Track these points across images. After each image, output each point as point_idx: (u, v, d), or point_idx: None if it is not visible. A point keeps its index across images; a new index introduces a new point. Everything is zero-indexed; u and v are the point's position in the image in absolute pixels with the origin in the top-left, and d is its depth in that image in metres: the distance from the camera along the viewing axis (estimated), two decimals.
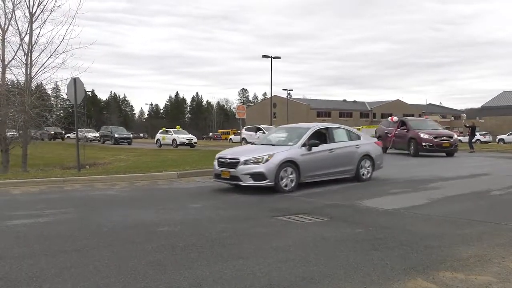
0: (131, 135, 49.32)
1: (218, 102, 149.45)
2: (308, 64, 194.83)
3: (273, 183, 10.23)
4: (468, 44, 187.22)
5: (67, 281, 4.42)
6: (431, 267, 4.82)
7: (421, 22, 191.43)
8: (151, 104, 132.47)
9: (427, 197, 9.55)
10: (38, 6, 19.66)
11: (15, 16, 19.71)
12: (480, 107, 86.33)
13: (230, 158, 10.73)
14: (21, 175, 15.10)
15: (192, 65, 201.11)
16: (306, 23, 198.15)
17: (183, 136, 38.84)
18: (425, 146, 21.24)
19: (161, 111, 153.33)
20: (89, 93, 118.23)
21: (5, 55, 19.91)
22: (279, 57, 46.77)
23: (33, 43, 19.70)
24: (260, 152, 10.68)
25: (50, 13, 19.66)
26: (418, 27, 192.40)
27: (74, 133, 17.16)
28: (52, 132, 48.83)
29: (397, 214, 7.87)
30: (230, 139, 50.23)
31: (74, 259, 5.13)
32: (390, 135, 23.62)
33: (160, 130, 42.41)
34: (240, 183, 10.36)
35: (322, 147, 11.39)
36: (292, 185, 10.55)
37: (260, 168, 10.20)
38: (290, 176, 10.54)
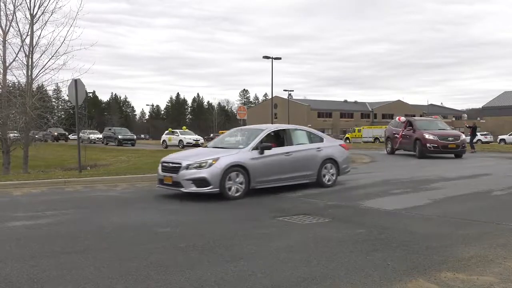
0: (135, 137, 49.31)
1: (219, 103, 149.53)
2: (309, 65, 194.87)
3: (217, 189, 9.48)
4: (469, 44, 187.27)
5: (69, 282, 4.42)
6: (433, 267, 4.82)
7: (422, 22, 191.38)
8: (152, 105, 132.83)
9: (428, 198, 9.54)
10: (39, 8, 19.70)
11: (16, 17, 19.75)
12: (481, 107, 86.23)
13: (172, 162, 10.04)
14: (22, 176, 15.12)
15: (193, 66, 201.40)
16: (307, 24, 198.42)
17: (190, 137, 38.98)
18: (429, 147, 20.37)
19: (162, 112, 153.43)
20: (90, 94, 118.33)
21: (6, 57, 19.94)
22: (279, 58, 46.79)
23: (34, 45, 19.73)
24: (206, 156, 9.97)
25: (51, 14, 19.69)
26: (418, 28, 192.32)
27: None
28: (56, 134, 48.88)
29: (398, 215, 7.87)
30: None
31: (76, 260, 5.13)
32: (397, 136, 22.88)
33: (166, 131, 42.39)
34: (182, 189, 9.66)
35: (277, 150, 10.62)
36: (241, 191, 9.77)
37: (203, 173, 9.48)
38: (238, 182, 9.76)
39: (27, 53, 19.66)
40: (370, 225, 6.95)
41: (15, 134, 21.20)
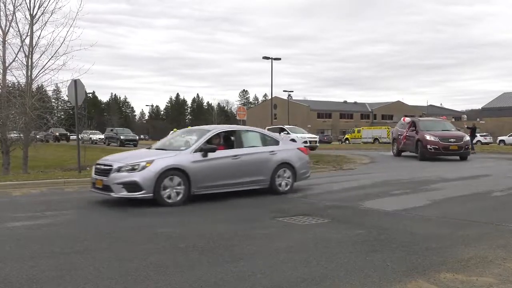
0: (137, 137, 49.27)
1: (219, 103, 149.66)
2: (308, 66, 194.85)
3: (151, 194, 8.71)
4: (469, 45, 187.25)
5: (68, 283, 4.42)
6: (432, 268, 4.82)
7: (422, 23, 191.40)
8: (152, 106, 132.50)
9: (428, 198, 9.55)
10: (38, 8, 19.67)
11: (15, 18, 19.72)
12: (480, 108, 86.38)
13: (104, 164, 9.32)
14: (21, 176, 15.10)
15: (192, 66, 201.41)
16: (307, 25, 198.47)
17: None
18: (430, 149, 19.62)
19: (162, 112, 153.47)
20: (90, 94, 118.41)
21: (6, 57, 19.91)
22: (279, 59, 46.84)
23: (34, 45, 19.71)
24: (141, 157, 9.29)
25: (51, 15, 19.65)
26: (418, 29, 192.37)
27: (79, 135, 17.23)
28: (57, 134, 48.85)
29: (398, 215, 7.87)
30: None
31: (75, 261, 5.13)
32: (402, 137, 22.35)
33: (171, 132, 42.28)
34: (112, 194, 8.91)
35: (224, 152, 9.82)
36: (179, 197, 8.98)
37: (134, 176, 8.71)
38: (177, 186, 8.97)
39: (26, 54, 19.64)
40: (369, 225, 6.95)
41: (15, 135, 21.19)
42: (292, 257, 5.27)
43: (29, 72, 19.78)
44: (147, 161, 8.98)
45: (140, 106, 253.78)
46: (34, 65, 19.84)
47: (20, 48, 19.67)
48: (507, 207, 8.87)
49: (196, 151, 9.45)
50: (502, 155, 25.50)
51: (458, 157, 20.21)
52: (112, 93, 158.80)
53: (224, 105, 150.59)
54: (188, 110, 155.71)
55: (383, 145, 44.28)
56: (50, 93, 29.00)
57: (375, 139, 57.79)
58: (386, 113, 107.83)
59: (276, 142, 10.96)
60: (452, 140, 19.87)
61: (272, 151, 10.58)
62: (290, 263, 5.00)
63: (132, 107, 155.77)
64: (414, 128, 21.33)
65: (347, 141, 61.43)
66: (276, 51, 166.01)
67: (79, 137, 17.75)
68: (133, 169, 8.85)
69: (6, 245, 5.91)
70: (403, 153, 22.93)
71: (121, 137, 45.42)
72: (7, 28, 19.70)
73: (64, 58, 19.39)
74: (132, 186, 8.74)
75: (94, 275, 4.64)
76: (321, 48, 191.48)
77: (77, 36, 30.04)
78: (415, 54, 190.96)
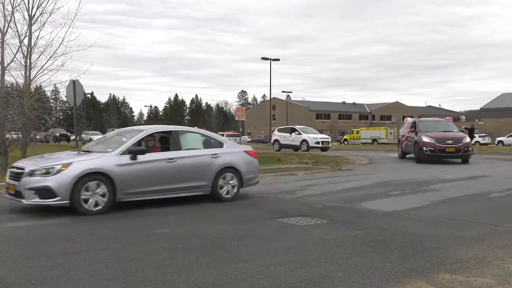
0: None
1: (218, 104, 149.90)
2: (307, 66, 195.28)
3: (67, 201, 7.84)
4: (468, 46, 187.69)
5: (67, 283, 4.41)
6: (431, 269, 4.82)
7: (421, 24, 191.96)
8: (151, 106, 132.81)
9: (427, 199, 9.56)
10: (37, 9, 19.62)
11: (14, 18, 19.66)
12: (479, 109, 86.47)
13: (17, 167, 8.43)
14: None
15: (191, 67, 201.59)
16: (306, 25, 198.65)
17: None
18: (426, 150, 18.78)
19: (161, 113, 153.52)
20: (88, 95, 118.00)
21: (4, 58, 19.86)
22: (278, 59, 46.93)
23: (32, 46, 19.66)
24: (58, 160, 8.38)
25: (50, 15, 19.59)
26: (417, 29, 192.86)
27: (79, 135, 17.21)
28: (57, 134, 48.75)
29: (397, 216, 7.87)
30: None
31: (74, 262, 5.12)
32: (403, 138, 21.73)
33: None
34: (23, 200, 7.96)
35: (156, 155, 8.95)
36: (102, 205, 8.12)
37: (47, 181, 7.82)
38: (99, 192, 8.10)
39: (25, 54, 19.60)
40: (368, 226, 6.95)
41: (14, 135, 21.15)
42: (291, 258, 5.27)
43: (28, 72, 19.73)
44: (63, 164, 8.06)
45: (139, 106, 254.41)
46: (32, 65, 19.78)
47: (18, 49, 19.63)
48: (506, 208, 8.88)
49: (123, 153, 8.57)
50: (501, 156, 25.55)
51: (459, 160, 19.34)
52: (110, 94, 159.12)
53: (223, 106, 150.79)
54: (187, 111, 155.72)
55: (382, 145, 44.33)
56: (48, 94, 28.93)
57: (374, 140, 57.83)
58: (384, 114, 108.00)
59: (220, 145, 10.08)
60: (449, 141, 18.87)
61: (215, 154, 9.68)
62: (289, 264, 5.00)
63: (131, 108, 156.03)
64: (414, 129, 20.71)
65: (346, 142, 61.42)
66: (275, 52, 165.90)
67: (81, 137, 17.72)
68: (47, 172, 7.95)
69: (5, 246, 5.89)
70: (407, 155, 21.74)
71: None
72: (5, 29, 19.65)
73: (62, 59, 19.33)
74: (44, 192, 7.83)
75: (92, 275, 4.63)
76: (320, 49, 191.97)
77: (76, 37, 29.93)
78: (414, 55, 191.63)
